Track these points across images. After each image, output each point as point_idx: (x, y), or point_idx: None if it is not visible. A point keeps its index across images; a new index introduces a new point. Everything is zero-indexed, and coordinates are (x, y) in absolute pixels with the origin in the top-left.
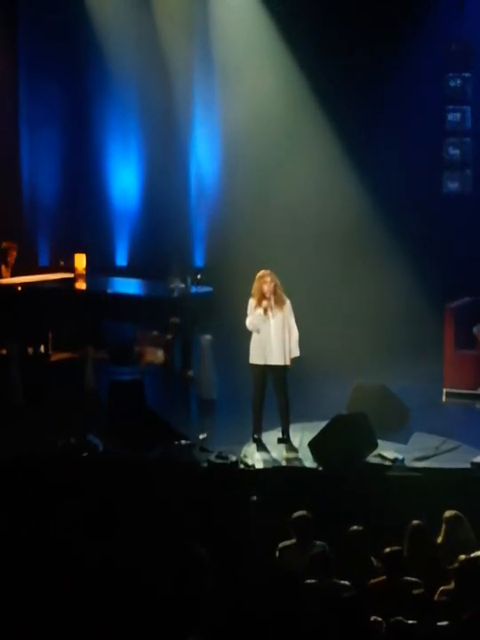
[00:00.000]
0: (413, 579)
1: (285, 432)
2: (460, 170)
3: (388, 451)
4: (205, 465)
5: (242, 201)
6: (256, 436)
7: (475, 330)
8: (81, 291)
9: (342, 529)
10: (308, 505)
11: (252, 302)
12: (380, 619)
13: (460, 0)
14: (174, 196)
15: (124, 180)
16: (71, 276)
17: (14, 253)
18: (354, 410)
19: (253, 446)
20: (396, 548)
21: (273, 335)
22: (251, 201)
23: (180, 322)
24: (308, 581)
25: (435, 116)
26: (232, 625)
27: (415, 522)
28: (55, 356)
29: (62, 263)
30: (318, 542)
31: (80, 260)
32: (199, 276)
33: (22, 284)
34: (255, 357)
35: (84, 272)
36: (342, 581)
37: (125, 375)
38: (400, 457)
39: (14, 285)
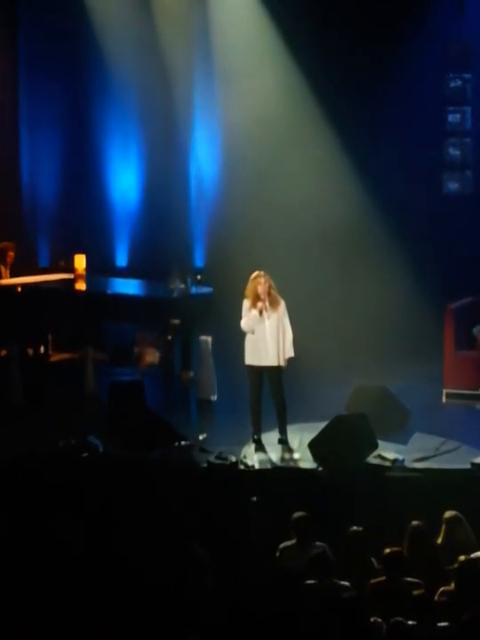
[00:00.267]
0: (413, 579)
1: (283, 433)
2: (460, 170)
3: (388, 451)
4: (205, 465)
5: (242, 201)
6: (256, 437)
7: (475, 330)
8: (81, 291)
9: (342, 529)
10: (308, 505)
11: (246, 303)
12: (380, 619)
13: (461, 0)
14: (174, 196)
15: (125, 180)
16: (71, 276)
17: (12, 254)
18: (354, 410)
19: (253, 447)
20: (396, 548)
21: (268, 336)
22: (251, 201)
23: (179, 322)
24: (308, 582)
25: (435, 116)
26: (232, 625)
27: (415, 522)
28: (55, 357)
29: (62, 264)
30: (318, 543)
31: (80, 261)
32: (199, 277)
33: (22, 285)
34: (251, 358)
35: (84, 273)
36: (342, 582)
37: (125, 376)
38: (400, 457)
39: (14, 286)
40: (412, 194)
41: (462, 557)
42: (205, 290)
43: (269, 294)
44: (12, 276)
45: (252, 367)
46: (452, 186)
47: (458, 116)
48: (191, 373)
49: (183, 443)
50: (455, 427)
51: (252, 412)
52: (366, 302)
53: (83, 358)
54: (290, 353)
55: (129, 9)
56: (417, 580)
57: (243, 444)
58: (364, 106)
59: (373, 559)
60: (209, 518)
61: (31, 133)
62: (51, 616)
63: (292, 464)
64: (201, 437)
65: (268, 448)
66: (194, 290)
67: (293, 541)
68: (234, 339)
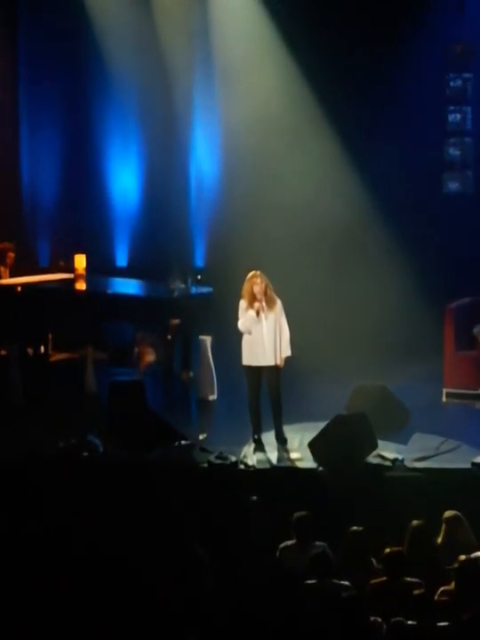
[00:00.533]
0: (413, 579)
1: (279, 432)
2: (460, 170)
3: (388, 451)
4: (205, 465)
5: (242, 201)
6: (256, 437)
7: (475, 330)
8: (81, 291)
9: (342, 529)
10: (308, 505)
11: (242, 304)
12: (380, 619)
13: (461, 2)
14: (174, 196)
15: (125, 180)
16: (71, 276)
17: (12, 254)
18: (354, 410)
19: (253, 447)
20: (396, 548)
21: (265, 336)
22: (251, 201)
23: (179, 322)
24: (308, 582)
25: (435, 116)
26: (232, 625)
27: (415, 522)
28: (55, 357)
29: (62, 264)
30: (318, 543)
31: (80, 261)
32: (199, 277)
33: (22, 285)
34: (248, 359)
35: (84, 272)
36: (342, 582)
37: (125, 376)
38: (400, 457)
39: (14, 286)
40: (412, 194)
41: (462, 557)
42: (205, 290)
43: (266, 294)
44: (12, 275)
45: (249, 367)
46: (453, 186)
47: (458, 115)
48: (191, 373)
49: (183, 442)
50: (455, 426)
51: (251, 412)
52: (366, 302)
53: (83, 358)
54: (287, 352)
55: (129, 9)
56: (417, 580)
57: (243, 443)
58: (364, 106)
59: (373, 559)
60: (209, 518)
61: (31, 133)
62: (51, 616)
63: (292, 464)
64: (201, 437)
65: (267, 448)
66: (194, 290)
67: (293, 541)
68: (234, 338)
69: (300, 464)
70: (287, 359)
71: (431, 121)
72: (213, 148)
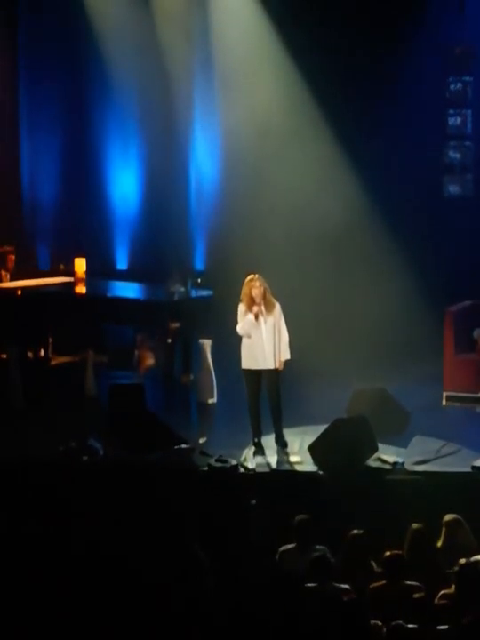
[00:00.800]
0: (414, 582)
1: (279, 436)
2: (460, 173)
3: (388, 454)
4: (205, 469)
5: (242, 204)
6: (256, 440)
7: (475, 333)
8: (81, 294)
9: (342, 533)
10: (308, 509)
11: (241, 307)
12: (380, 622)
13: (461, 3)
14: (174, 199)
15: (124, 183)
16: (71, 279)
17: (13, 257)
18: (354, 413)
19: (253, 450)
20: (397, 551)
21: (264, 340)
22: (251, 204)
23: (179, 325)
24: (309, 585)
25: (435, 119)
26: (232, 628)
27: (415, 525)
28: (55, 360)
29: (62, 267)
30: (318, 546)
31: (80, 264)
32: (199, 280)
33: (22, 288)
34: (248, 362)
35: (84, 276)
36: (342, 585)
37: (125, 379)
38: (400, 460)
39: (14, 289)
40: (412, 197)
41: (462, 560)
42: (205, 293)
43: (264, 297)
44: (13, 279)
45: (249, 371)
46: (453, 189)
47: (458, 119)
48: (191, 376)
49: (183, 446)
50: (455, 429)
51: (251, 415)
52: (366, 305)
53: (83, 361)
54: (286, 355)
55: (129, 10)
56: (417, 583)
57: (243, 447)
58: (364, 108)
59: (373, 562)
60: (209, 521)
61: (31, 135)
62: (50, 617)
63: (292, 467)
64: (201, 440)
65: (267, 451)
66: (194, 293)
67: (293, 545)
68: (234, 342)
69: (299, 467)
70: (287, 362)
71: (431, 124)
72: (213, 151)
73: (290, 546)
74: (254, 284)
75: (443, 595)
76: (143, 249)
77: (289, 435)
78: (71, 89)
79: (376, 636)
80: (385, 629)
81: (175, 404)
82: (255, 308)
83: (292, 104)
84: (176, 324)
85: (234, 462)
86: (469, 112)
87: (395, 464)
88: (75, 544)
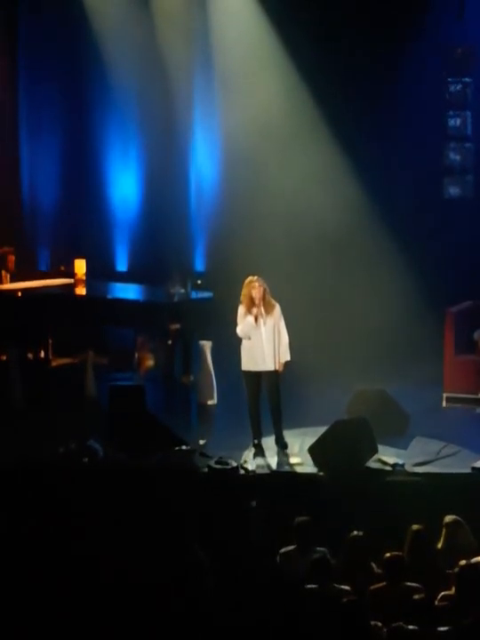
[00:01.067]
0: (414, 584)
1: (279, 437)
2: (460, 175)
3: (388, 456)
4: (205, 470)
5: (242, 206)
6: (256, 442)
7: (475, 334)
8: (81, 296)
9: (342, 534)
10: (309, 510)
11: (241, 309)
12: (380, 624)
13: (460, 6)
14: (174, 200)
15: (124, 184)
16: (71, 281)
17: (13, 258)
18: (354, 415)
19: (253, 451)
20: (397, 553)
21: (264, 341)
22: (250, 206)
23: (180, 327)
24: (309, 586)
25: (435, 121)
26: (232, 629)
27: (415, 527)
28: (55, 362)
29: (62, 268)
30: (319, 548)
31: (80, 266)
32: (199, 282)
33: (22, 290)
34: (248, 364)
35: (84, 277)
36: (343, 586)
37: (126, 380)
38: (400, 462)
39: (14, 291)
40: (412, 198)
41: (463, 562)
42: (205, 294)
43: (264, 299)
44: (13, 280)
45: (249, 372)
46: (453, 190)
47: (458, 120)
48: (191, 377)
49: (183, 447)
50: (455, 431)
51: (251, 417)
52: (366, 306)
53: (83, 363)
54: (286, 357)
55: (129, 11)
56: (417, 585)
57: (243, 448)
58: (364, 110)
59: (374, 564)
60: (209, 523)
61: (31, 136)
62: (51, 618)
63: (292, 469)
64: (201, 442)
65: (268, 453)
66: (194, 294)
67: (294, 546)
68: (234, 343)
69: (300, 469)
70: (286, 364)
71: (431, 125)
72: (213, 151)
73: (290, 547)
74: (254, 286)
75: (443, 596)
76: (143, 250)
77: (289, 436)
78: (71, 89)
79: (376, 638)
80: (385, 631)
81: (175, 406)
82: (255, 310)
83: (292, 105)
84: (176, 326)
85: (234, 464)
86: (469, 113)
87: (395, 465)
88: (75, 545)
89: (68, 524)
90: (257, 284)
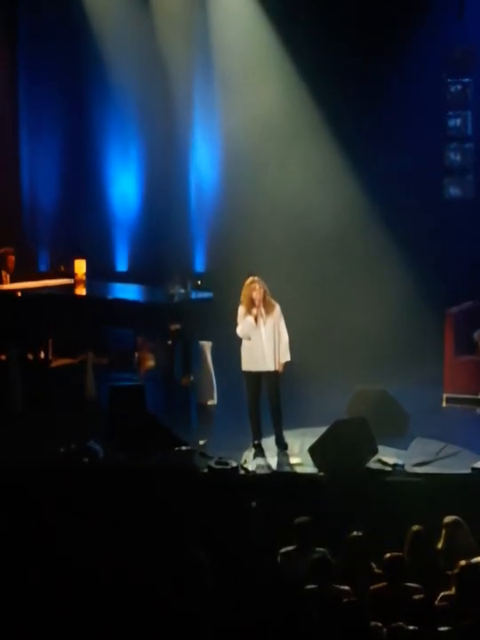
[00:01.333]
0: (414, 584)
1: (279, 438)
2: (460, 175)
3: (388, 456)
4: (205, 470)
5: (242, 206)
6: (256, 442)
7: (475, 335)
8: (81, 296)
9: (342, 534)
10: (309, 511)
11: (241, 310)
12: (380, 624)
13: (460, 6)
14: (174, 200)
15: (125, 184)
16: (71, 281)
17: (13, 258)
18: (354, 415)
19: (253, 452)
20: (397, 553)
21: (264, 342)
22: (251, 206)
23: (180, 327)
24: (309, 587)
25: (435, 121)
26: (232, 630)
27: (415, 527)
28: (55, 362)
29: (62, 269)
30: (319, 548)
31: (80, 266)
32: (199, 282)
33: (22, 290)
34: (248, 364)
35: (84, 278)
36: (343, 587)
37: (126, 381)
38: (400, 462)
39: (14, 291)
40: (412, 198)
41: (463, 562)
42: (205, 295)
43: (264, 300)
44: (13, 280)
45: (249, 373)
46: (453, 190)
47: (458, 120)
48: (191, 378)
49: (183, 447)
50: (455, 431)
51: (250, 417)
52: (366, 306)
53: (83, 363)
54: (286, 357)
55: (129, 11)
56: (417, 585)
57: (243, 448)
58: (364, 109)
59: (374, 564)
60: (209, 523)
61: (31, 136)
62: (51, 618)
63: (292, 469)
64: (201, 442)
65: (267, 453)
66: (194, 295)
67: (294, 546)
68: (234, 343)
69: (300, 469)
70: (287, 364)
71: (431, 126)
72: (213, 152)
73: (290, 547)
74: (254, 287)
75: (443, 596)
76: (143, 251)
77: (289, 436)
78: (71, 89)
79: (376, 638)
80: (385, 631)
81: (175, 406)
82: (255, 311)
83: (292, 105)
84: (176, 326)
85: (234, 464)
86: (469, 113)
87: (395, 466)
88: (75, 545)
89: (67, 524)
90: (257, 284)
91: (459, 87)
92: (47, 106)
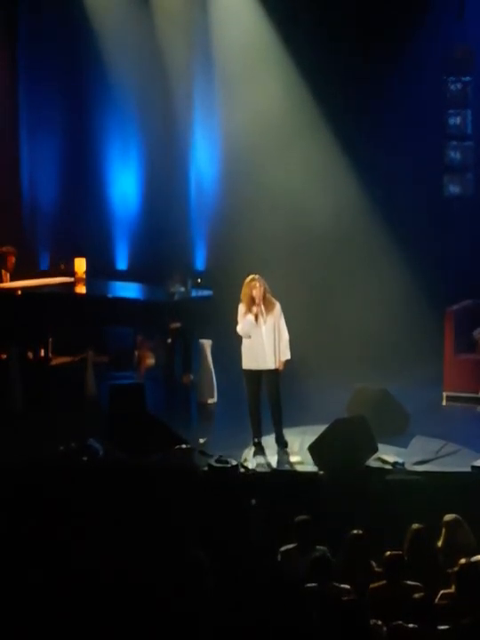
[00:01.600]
0: (414, 582)
1: (279, 436)
2: (460, 173)
3: (388, 454)
4: (205, 469)
5: (242, 204)
6: (256, 440)
7: (475, 333)
8: (81, 295)
9: (342, 533)
10: (308, 509)
11: (241, 308)
12: (380, 622)
13: (460, 6)
14: (174, 199)
15: (125, 183)
16: (71, 280)
17: (13, 258)
18: (354, 413)
19: (253, 450)
20: (397, 551)
21: (265, 340)
22: (251, 205)
23: (180, 326)
24: (309, 585)
25: (435, 119)
26: (232, 629)
27: (415, 525)
28: (55, 361)
29: (62, 267)
30: (319, 547)
31: (80, 264)
32: (199, 280)
33: (22, 289)
34: (248, 362)
35: (84, 276)
36: (342, 585)
37: (126, 379)
38: (400, 461)
39: (14, 290)
40: (412, 197)
41: (463, 560)
42: (205, 293)
43: (264, 298)
44: (13, 279)
45: (249, 371)
46: (453, 189)
47: (458, 118)
48: (191, 376)
49: (183, 446)
50: (455, 429)
51: (251, 415)
52: (366, 305)
53: (83, 362)
54: (286, 355)
55: (129, 11)
56: (417, 583)
57: (243, 447)
58: (364, 108)
59: (374, 562)
60: (209, 522)
61: (31, 136)
62: (51, 618)
63: (292, 467)
64: (201, 441)
65: (268, 451)
66: (194, 293)
67: (294, 545)
68: (234, 342)
69: (300, 467)
70: (287, 362)
71: (431, 124)
72: (213, 150)
73: (290, 546)
74: (254, 285)
75: (443, 595)
76: (143, 249)
77: (289, 435)
78: (71, 89)
79: (376, 637)
80: (385, 629)
81: (175, 405)
82: (255, 309)
83: (292, 104)
84: (176, 325)
85: (234, 462)
86: (469, 112)
87: (395, 464)
88: (75, 545)
89: (68, 523)
90: (257, 283)
91: (459, 86)
92: (47, 106)
